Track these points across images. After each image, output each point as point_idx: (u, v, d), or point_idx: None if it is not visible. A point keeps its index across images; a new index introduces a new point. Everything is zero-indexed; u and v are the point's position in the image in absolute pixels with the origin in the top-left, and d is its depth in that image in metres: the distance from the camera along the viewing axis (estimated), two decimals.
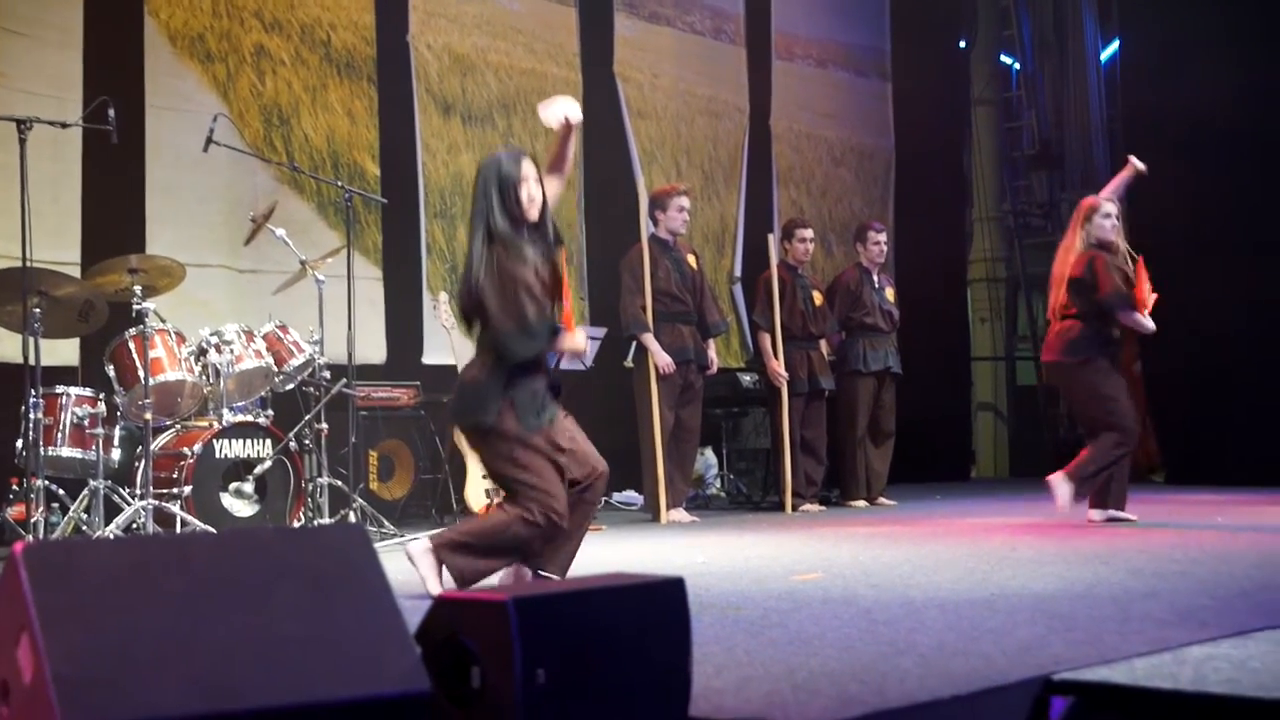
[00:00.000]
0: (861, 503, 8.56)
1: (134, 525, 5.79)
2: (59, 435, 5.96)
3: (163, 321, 6.21)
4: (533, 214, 4.27)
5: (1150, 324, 6.50)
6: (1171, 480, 10.29)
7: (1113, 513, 6.55)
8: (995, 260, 14.66)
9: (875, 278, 8.72)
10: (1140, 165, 6.98)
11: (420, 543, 4.22)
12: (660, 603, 2.44)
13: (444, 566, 4.15)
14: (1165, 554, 5.07)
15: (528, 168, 4.30)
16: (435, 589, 4.03)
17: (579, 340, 4.50)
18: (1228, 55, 10.21)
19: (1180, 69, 10.46)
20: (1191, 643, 3.04)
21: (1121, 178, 7.03)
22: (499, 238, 4.21)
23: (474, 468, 7.12)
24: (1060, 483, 6.48)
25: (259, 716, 1.93)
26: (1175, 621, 3.40)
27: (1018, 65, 15.14)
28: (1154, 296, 6.49)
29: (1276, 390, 9.80)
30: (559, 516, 4.13)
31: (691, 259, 7.90)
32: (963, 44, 13.77)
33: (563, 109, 4.42)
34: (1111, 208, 6.62)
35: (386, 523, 6.63)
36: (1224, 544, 5.44)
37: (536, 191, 4.29)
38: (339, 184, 6.97)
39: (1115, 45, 13.90)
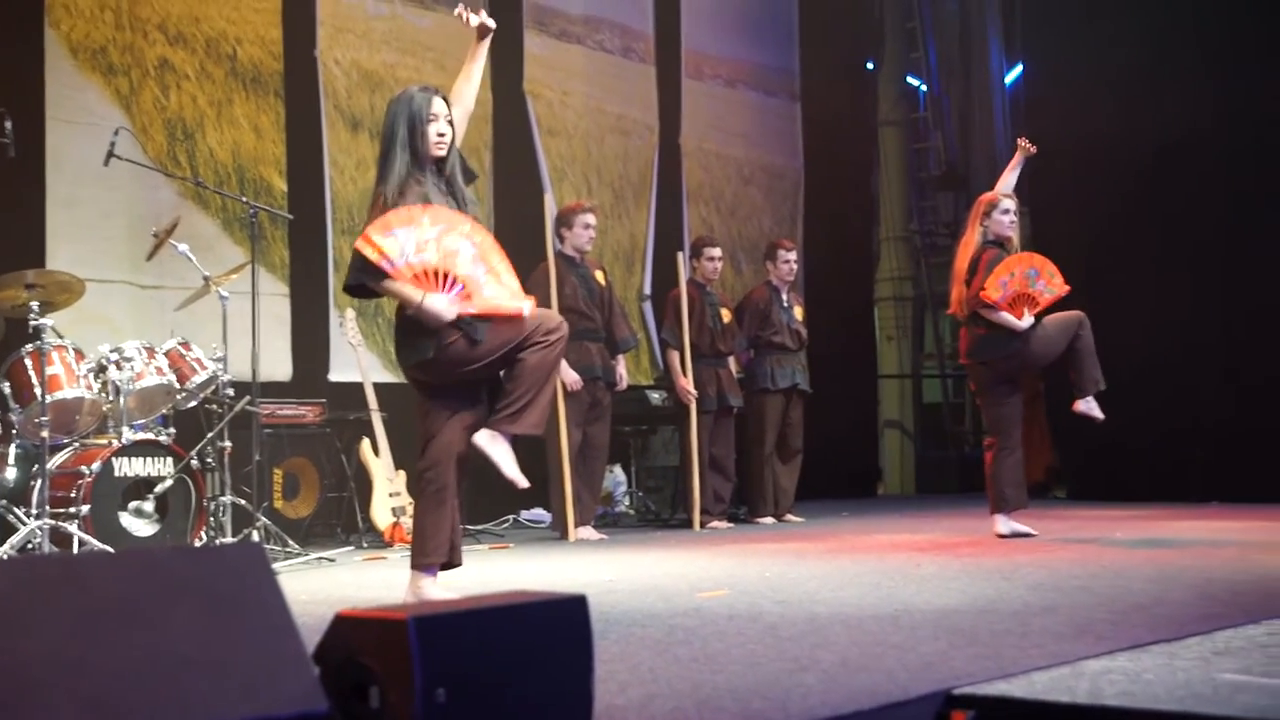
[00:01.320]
0: (769, 520, 8.60)
1: (29, 545, 5.67)
2: None
3: (61, 337, 6.10)
4: (438, 151, 4.31)
5: (1019, 323, 6.47)
6: (1072, 496, 10.45)
7: (1015, 526, 6.63)
8: (902, 279, 14.84)
9: (784, 296, 8.78)
10: (1030, 147, 7.05)
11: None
12: (563, 620, 2.44)
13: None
14: (1065, 569, 5.15)
15: (439, 105, 4.32)
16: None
17: (437, 304, 4.21)
18: (1129, 82, 10.42)
19: (1081, 95, 10.66)
20: (1089, 656, 3.09)
21: (1013, 164, 7.09)
22: (398, 175, 4.23)
23: (380, 485, 7.08)
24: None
25: None
26: (1073, 635, 3.45)
27: (924, 87, 15.35)
28: (1057, 292, 6.51)
29: (1173, 407, 10.00)
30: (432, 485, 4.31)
31: (599, 275, 7.91)
32: (870, 65, 13.94)
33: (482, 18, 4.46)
34: (1010, 203, 6.67)
35: (291, 541, 6.55)
36: (1122, 559, 5.53)
37: (446, 130, 4.32)
38: (244, 199, 6.90)
39: (1019, 69, 14.14)
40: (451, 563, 4.46)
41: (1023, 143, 7.10)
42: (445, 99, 4.38)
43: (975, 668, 2.99)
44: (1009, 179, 7.04)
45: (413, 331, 4.28)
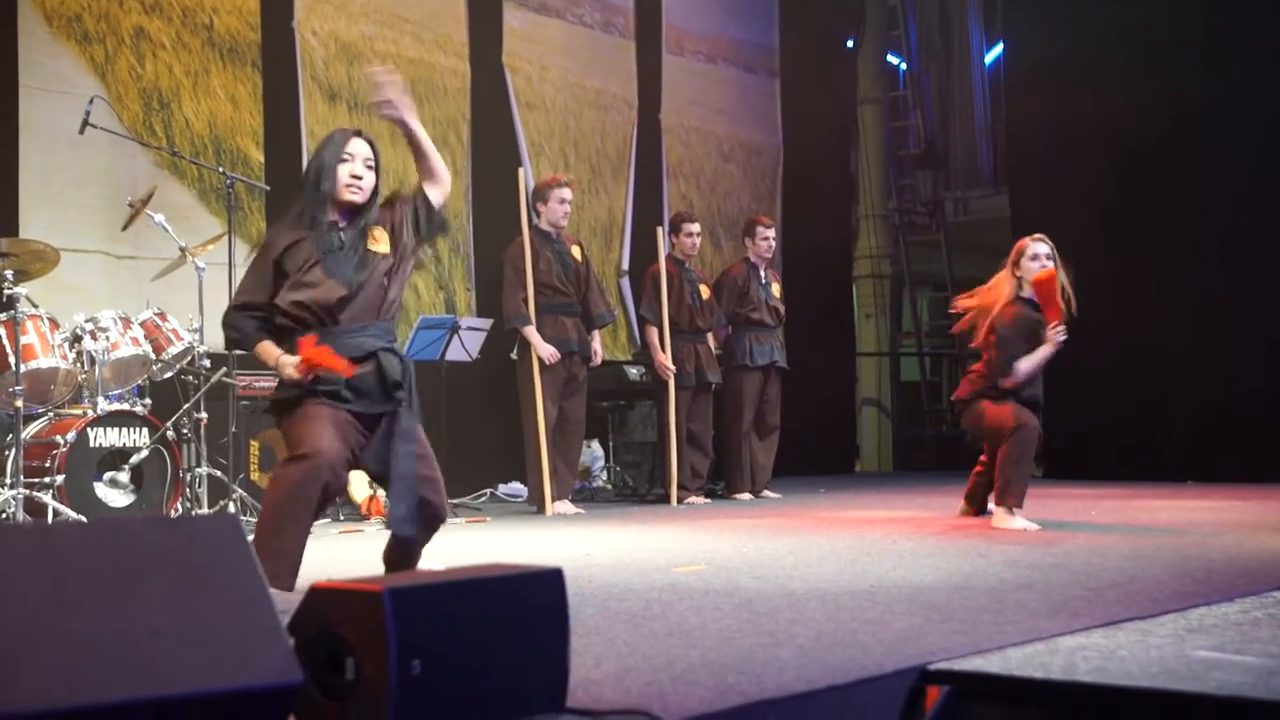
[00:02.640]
0: (746, 495, 8.61)
1: (3, 515, 5.65)
2: None
3: (35, 307, 6.07)
4: (350, 195, 3.95)
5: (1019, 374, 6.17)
6: (1049, 475, 10.49)
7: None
8: (880, 257, 14.86)
9: (762, 273, 8.77)
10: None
11: None
12: (539, 593, 2.43)
13: None
14: (1041, 547, 5.16)
15: (357, 145, 3.99)
16: None
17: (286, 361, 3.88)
18: (1109, 62, 10.44)
19: (1061, 74, 10.67)
20: (1064, 633, 3.10)
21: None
22: (291, 215, 4.01)
23: None
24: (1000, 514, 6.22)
25: (125, 709, 1.89)
26: (1048, 612, 3.46)
27: (904, 65, 15.35)
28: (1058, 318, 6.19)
29: (1148, 388, 10.05)
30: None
31: (576, 250, 7.89)
32: (850, 43, 13.92)
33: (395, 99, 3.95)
34: (1042, 248, 6.25)
35: None
36: (1098, 537, 5.55)
37: (363, 174, 3.97)
38: (221, 170, 6.86)
39: (999, 49, 14.15)
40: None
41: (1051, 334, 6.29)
42: (371, 143, 4.03)
43: (950, 643, 2.99)
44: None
45: None
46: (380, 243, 4.03)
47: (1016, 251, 6.34)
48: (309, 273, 3.92)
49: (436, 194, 4.10)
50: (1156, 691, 2.46)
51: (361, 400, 3.91)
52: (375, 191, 4.03)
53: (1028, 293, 6.28)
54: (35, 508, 5.76)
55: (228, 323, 4.04)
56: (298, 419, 3.85)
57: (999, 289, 6.36)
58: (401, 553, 4.02)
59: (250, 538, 2.27)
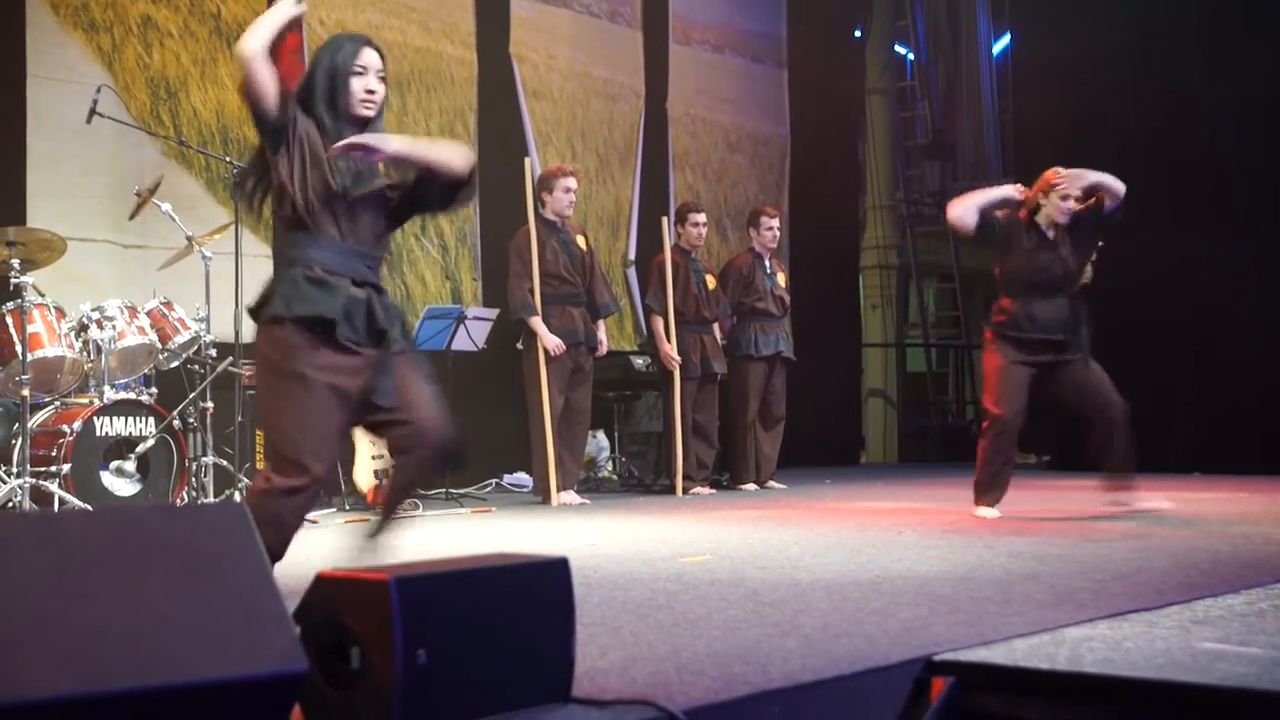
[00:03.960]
0: (751, 486, 8.61)
1: (10, 504, 5.66)
2: None
3: (42, 296, 6.07)
4: (364, 110, 3.59)
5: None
6: (1055, 466, 10.48)
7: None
8: (887, 248, 14.86)
9: (767, 263, 8.76)
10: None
11: None
12: (544, 583, 2.43)
13: None
14: (1046, 538, 5.16)
15: (369, 57, 3.63)
16: None
17: None
18: (1117, 54, 10.41)
19: (1069, 66, 10.64)
20: (1069, 624, 3.09)
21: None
22: (307, 124, 3.55)
23: (362, 447, 7.06)
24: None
25: (131, 698, 1.89)
26: (1054, 603, 3.46)
27: (912, 56, 15.33)
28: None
29: (1153, 378, 10.03)
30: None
31: (581, 240, 7.88)
32: (858, 33, 13.90)
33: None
34: (1076, 191, 6.23)
35: None
36: (1103, 528, 5.55)
37: (377, 87, 3.61)
38: (228, 159, 6.85)
39: (1007, 39, 14.12)
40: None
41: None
42: (380, 51, 3.69)
43: (956, 634, 2.99)
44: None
45: None
46: (385, 174, 3.67)
47: (1046, 183, 6.27)
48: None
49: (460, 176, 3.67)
50: (1162, 683, 2.46)
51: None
52: (382, 107, 3.69)
53: (1043, 221, 6.27)
54: (42, 496, 5.77)
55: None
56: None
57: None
58: (407, 491, 3.76)
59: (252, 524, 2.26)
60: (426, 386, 3.60)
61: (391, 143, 3.60)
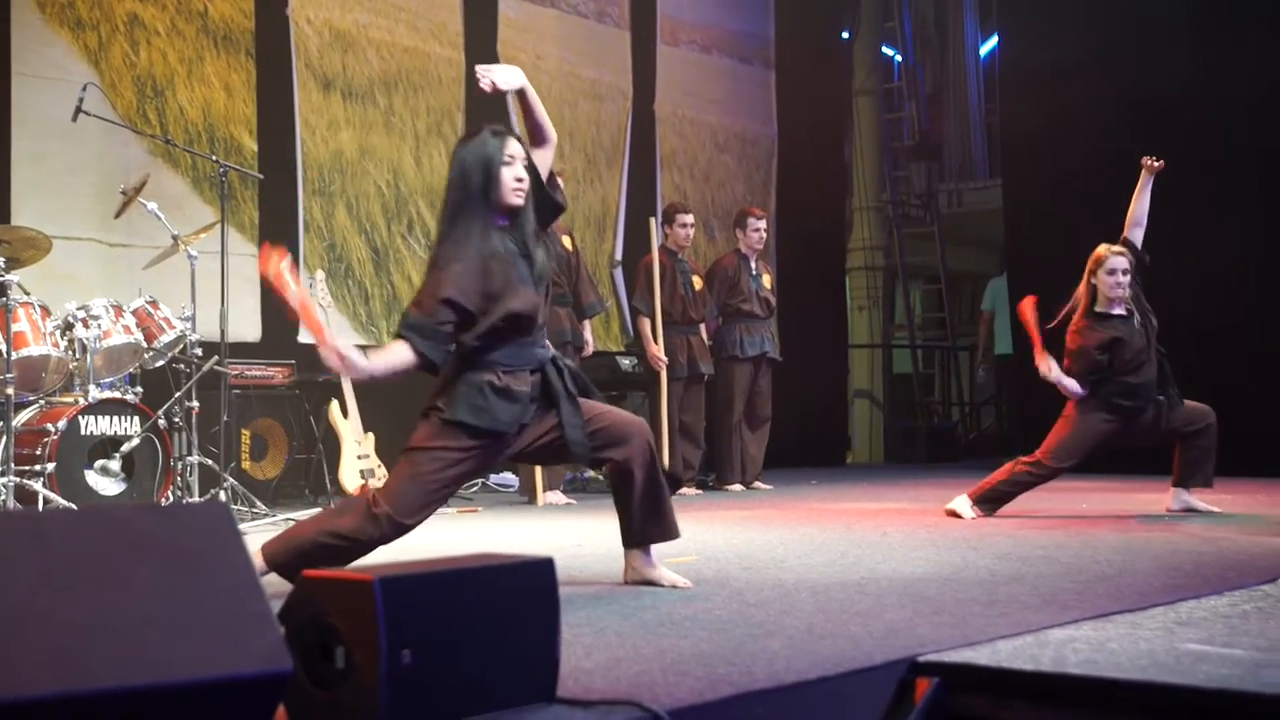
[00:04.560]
0: (737, 487, 8.62)
1: None
2: None
3: (27, 294, 6.06)
4: (515, 200, 3.80)
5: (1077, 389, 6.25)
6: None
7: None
8: (874, 249, 14.86)
9: (752, 264, 8.77)
10: (1155, 164, 6.63)
11: None
12: (529, 583, 2.43)
13: None
14: (1031, 539, 5.17)
15: (515, 147, 3.84)
16: None
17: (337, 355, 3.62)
18: (1104, 56, 10.43)
19: (1056, 68, 10.66)
20: (1054, 625, 3.10)
21: (1141, 185, 6.70)
22: (467, 229, 3.75)
23: (348, 447, 7.06)
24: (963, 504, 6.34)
25: (114, 697, 1.88)
26: (1039, 605, 3.47)
27: (899, 57, 15.34)
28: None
29: None
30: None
31: (567, 240, 7.88)
32: (845, 35, 13.91)
33: (494, 77, 3.97)
34: (1120, 261, 6.30)
35: (259, 503, 6.54)
36: (1088, 530, 5.56)
37: (525, 175, 3.82)
38: (214, 158, 6.84)
39: (994, 41, 14.15)
40: None
41: (1148, 161, 6.67)
42: (521, 141, 3.89)
43: (940, 635, 3.00)
44: (1141, 204, 6.68)
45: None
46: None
47: (1094, 260, 6.32)
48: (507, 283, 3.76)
49: (548, 155, 4.02)
50: (1145, 684, 2.47)
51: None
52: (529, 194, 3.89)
53: (1102, 306, 6.29)
54: (26, 496, 5.76)
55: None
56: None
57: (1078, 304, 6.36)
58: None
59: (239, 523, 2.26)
60: None
61: (521, 78, 3.96)
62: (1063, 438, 6.28)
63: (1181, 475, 6.47)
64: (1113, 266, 6.27)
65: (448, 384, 3.79)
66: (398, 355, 3.68)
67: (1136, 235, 6.57)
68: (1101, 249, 6.35)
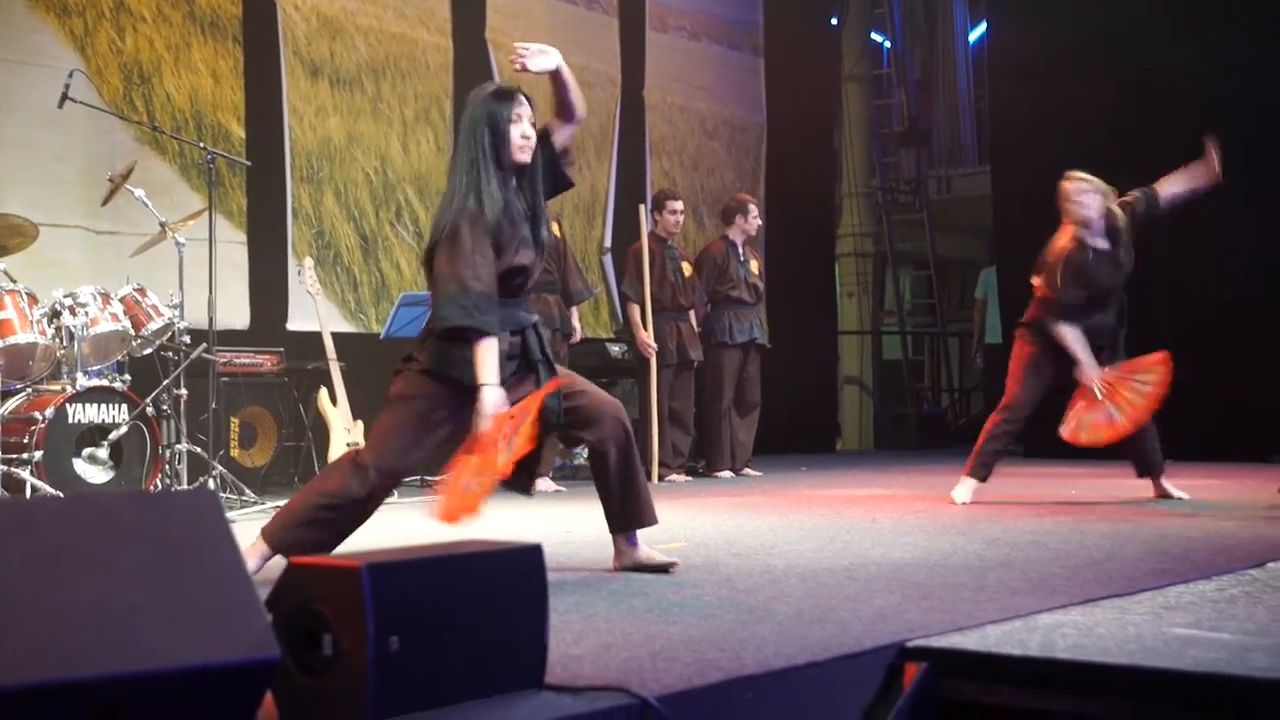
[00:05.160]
0: (727, 473, 8.62)
1: None
2: None
3: (13, 282, 6.04)
4: (521, 157, 3.86)
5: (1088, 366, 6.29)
6: (1028, 453, 10.51)
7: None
8: (863, 235, 14.85)
9: (741, 250, 8.76)
10: (1216, 163, 6.67)
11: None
12: (518, 569, 2.43)
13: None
14: (1020, 525, 5.18)
15: (524, 105, 3.89)
16: None
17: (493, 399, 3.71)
18: (1092, 42, 10.43)
19: (1045, 54, 10.66)
20: (1042, 610, 3.11)
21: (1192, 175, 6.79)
22: (480, 190, 3.77)
23: (337, 435, 7.05)
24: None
25: (101, 684, 1.88)
26: (1027, 590, 3.48)
27: (888, 44, 15.33)
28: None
29: None
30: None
31: (555, 227, 7.86)
32: (834, 21, 13.89)
33: (528, 60, 3.95)
34: (1082, 185, 6.52)
35: (248, 490, 6.53)
36: (1077, 515, 5.58)
37: (531, 132, 3.88)
38: (201, 145, 6.82)
39: (983, 28, 14.14)
40: None
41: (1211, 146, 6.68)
42: (528, 97, 3.93)
43: (929, 620, 3.00)
44: (1181, 187, 6.84)
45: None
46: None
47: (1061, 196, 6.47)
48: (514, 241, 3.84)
49: (570, 131, 4.05)
50: (1133, 668, 2.47)
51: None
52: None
53: (1082, 233, 6.39)
54: (13, 484, 5.74)
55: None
56: None
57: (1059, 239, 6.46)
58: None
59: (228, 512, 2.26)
60: None
61: (556, 59, 3.95)
62: (1019, 377, 6.37)
63: (1142, 467, 6.46)
64: (1073, 191, 6.45)
65: (429, 335, 3.85)
66: (493, 352, 3.72)
67: (1164, 190, 6.73)
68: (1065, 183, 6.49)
